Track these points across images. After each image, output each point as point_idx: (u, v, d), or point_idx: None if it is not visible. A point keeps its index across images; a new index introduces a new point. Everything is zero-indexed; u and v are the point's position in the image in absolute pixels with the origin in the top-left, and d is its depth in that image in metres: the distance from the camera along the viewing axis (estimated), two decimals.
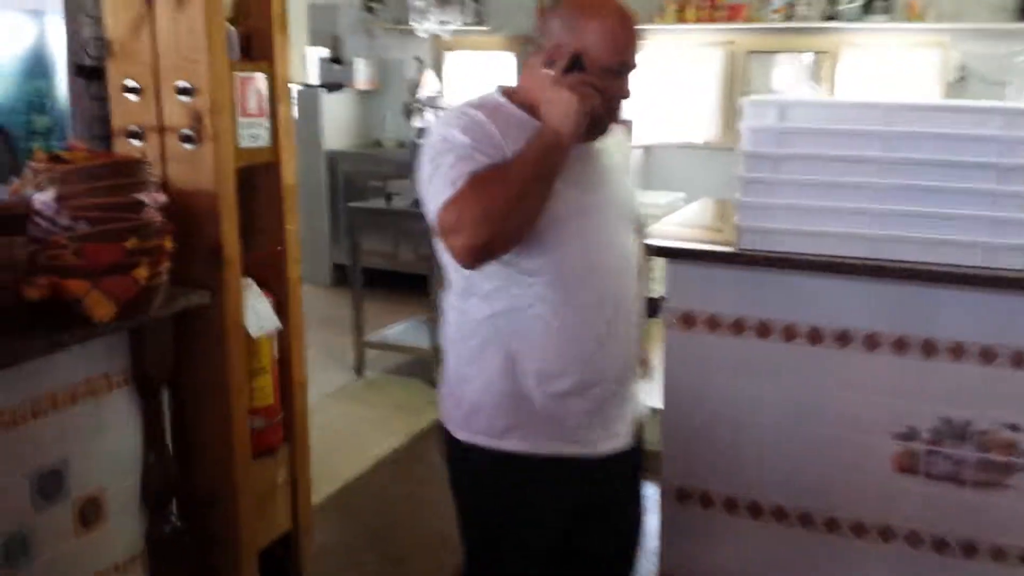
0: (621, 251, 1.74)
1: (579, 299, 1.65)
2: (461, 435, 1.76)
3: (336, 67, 6.61)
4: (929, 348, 2.30)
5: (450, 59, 6.96)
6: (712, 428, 2.52)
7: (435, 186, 1.58)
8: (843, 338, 2.37)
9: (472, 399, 1.73)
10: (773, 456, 2.47)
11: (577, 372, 1.67)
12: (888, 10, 5.71)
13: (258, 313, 2.53)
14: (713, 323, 2.49)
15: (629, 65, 1.65)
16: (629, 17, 1.64)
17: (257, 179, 2.64)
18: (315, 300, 6.02)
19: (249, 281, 2.55)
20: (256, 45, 2.61)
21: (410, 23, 6.46)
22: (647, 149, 6.37)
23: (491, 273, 1.64)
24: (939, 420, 2.31)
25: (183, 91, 2.37)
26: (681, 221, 3.05)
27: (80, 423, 2.12)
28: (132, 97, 2.43)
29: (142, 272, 2.08)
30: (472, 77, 6.90)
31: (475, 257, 1.54)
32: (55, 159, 2.11)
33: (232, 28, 2.52)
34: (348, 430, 3.91)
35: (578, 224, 1.65)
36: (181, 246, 2.33)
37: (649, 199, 5.25)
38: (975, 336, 2.26)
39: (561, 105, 1.55)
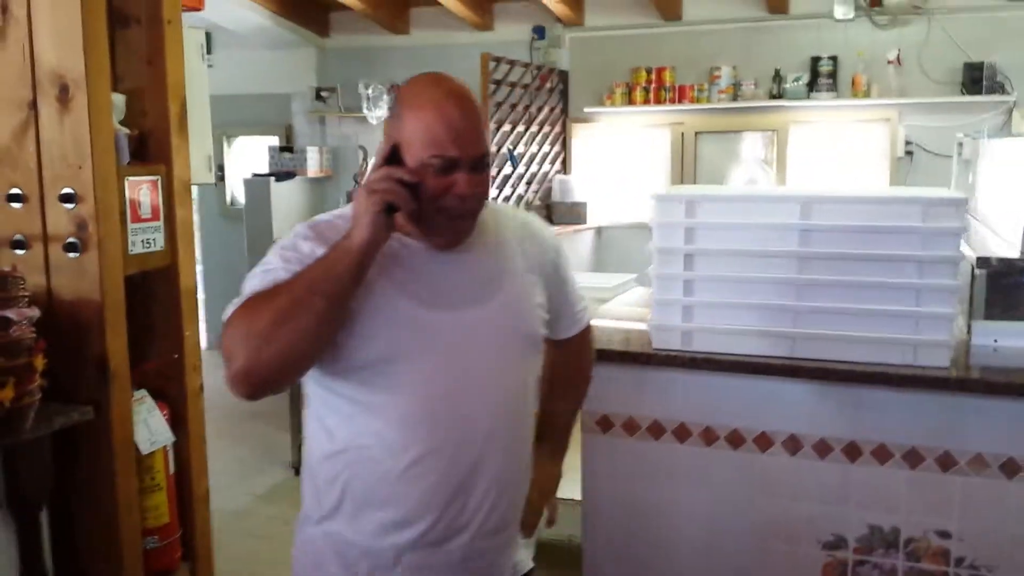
0: (497, 381, 1.48)
1: (428, 442, 1.42)
2: None
3: (287, 155, 6.58)
4: (853, 451, 2.19)
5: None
6: (633, 535, 2.39)
7: (227, 309, 1.40)
8: (764, 441, 2.26)
9: (315, 545, 1.53)
10: (697, 565, 2.34)
11: (428, 521, 1.44)
12: (833, 87, 5.76)
13: (150, 427, 2.39)
14: (631, 426, 2.37)
15: (453, 159, 1.38)
16: (457, 104, 1.40)
17: (154, 284, 2.52)
18: None
19: (142, 393, 2.42)
20: (152, 147, 2.52)
21: (362, 111, 6.45)
22: (598, 230, 6.33)
23: (334, 407, 1.46)
24: (867, 527, 2.19)
25: (66, 198, 2.27)
26: (615, 311, 2.95)
27: None
28: (16, 205, 2.32)
29: (7, 393, 1.95)
30: None
31: (242, 387, 1.32)
32: None
33: (124, 130, 2.44)
34: (276, 533, 3.72)
35: (428, 350, 1.42)
36: (66, 359, 2.21)
37: (599, 282, 5.16)
38: (900, 438, 2.15)
39: (356, 206, 1.35)
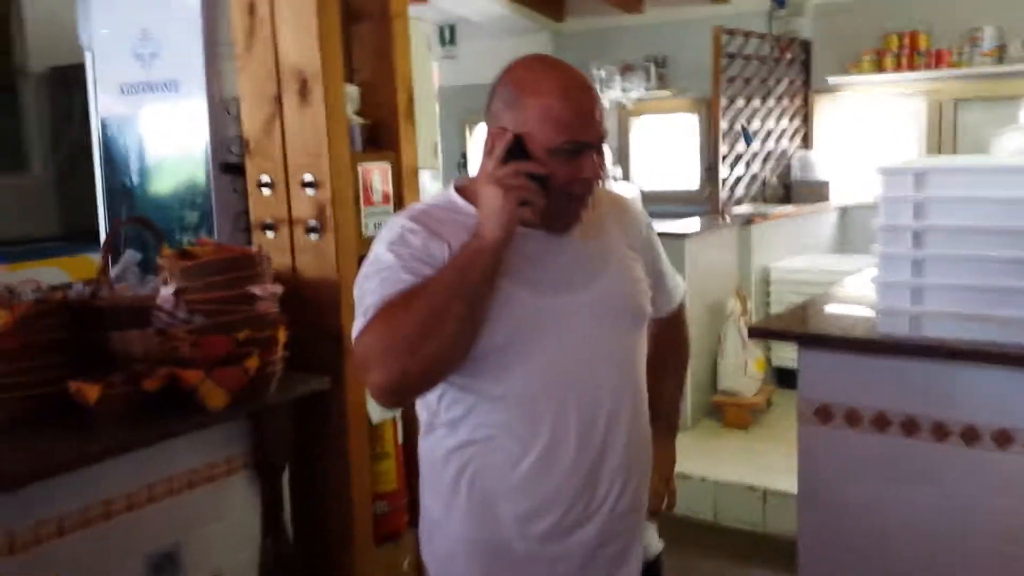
0: (614, 360, 1.47)
1: (555, 428, 1.40)
2: None
3: None
4: None
5: (636, 125, 6.91)
6: (853, 536, 2.26)
7: (356, 316, 1.39)
8: (1003, 438, 2.06)
9: (445, 547, 1.52)
10: (921, 570, 2.17)
11: (561, 509, 1.43)
12: None
13: None
14: (853, 417, 2.24)
15: (584, 143, 1.37)
16: (579, 87, 1.38)
17: None
18: None
19: None
20: (382, 135, 2.69)
21: None
22: (843, 210, 5.97)
23: (455, 399, 1.43)
24: None
25: (308, 184, 2.47)
26: (849, 292, 2.78)
27: (197, 507, 2.21)
28: (266, 192, 2.57)
29: (253, 362, 2.16)
30: (659, 140, 6.84)
31: (390, 397, 1.35)
32: (182, 254, 2.26)
33: (357, 120, 2.62)
34: None
35: (546, 335, 1.40)
36: (307, 333, 2.42)
37: (838, 265, 4.89)
38: None
39: (486, 205, 1.33)
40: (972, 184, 2.11)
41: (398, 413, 2.63)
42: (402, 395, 1.39)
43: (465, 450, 1.45)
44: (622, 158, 6.80)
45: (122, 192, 2.90)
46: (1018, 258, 2.04)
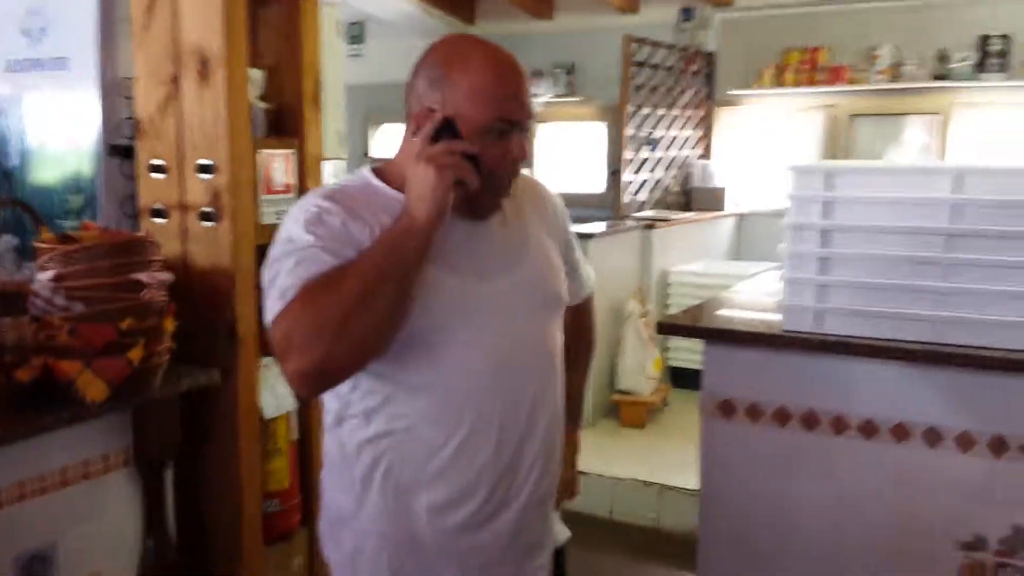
0: (536, 346, 1.45)
1: (479, 415, 1.36)
2: None
3: None
4: (998, 445, 2.00)
5: (543, 131, 6.93)
6: (754, 529, 2.27)
7: (269, 299, 1.30)
8: (900, 432, 2.10)
9: (352, 543, 1.45)
10: (820, 563, 2.20)
11: (480, 498, 1.39)
12: (1004, 67, 5.33)
13: (275, 393, 2.45)
14: (755, 412, 2.26)
15: (515, 121, 1.34)
16: (508, 64, 1.35)
17: None
18: None
19: (269, 360, 2.49)
20: (287, 122, 2.59)
21: None
22: (740, 218, 6.11)
23: (370, 389, 1.37)
24: (1011, 528, 2.00)
25: (204, 168, 2.36)
26: (743, 298, 2.81)
27: (72, 505, 2.07)
28: (158, 175, 2.44)
29: (136, 353, 2.04)
30: (565, 147, 6.87)
31: (311, 383, 1.27)
32: (64, 239, 2.11)
33: (261, 105, 2.51)
34: None
35: (472, 322, 1.36)
36: (197, 324, 2.30)
37: (736, 270, 4.99)
38: None
39: (417, 184, 1.27)
40: (878, 185, 2.14)
41: (293, 408, 2.53)
42: (323, 382, 1.31)
43: (380, 441, 1.39)
44: (528, 161, 6.79)
45: (2, 175, 2.72)
46: (916, 257, 2.08)
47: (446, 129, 1.30)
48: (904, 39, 5.58)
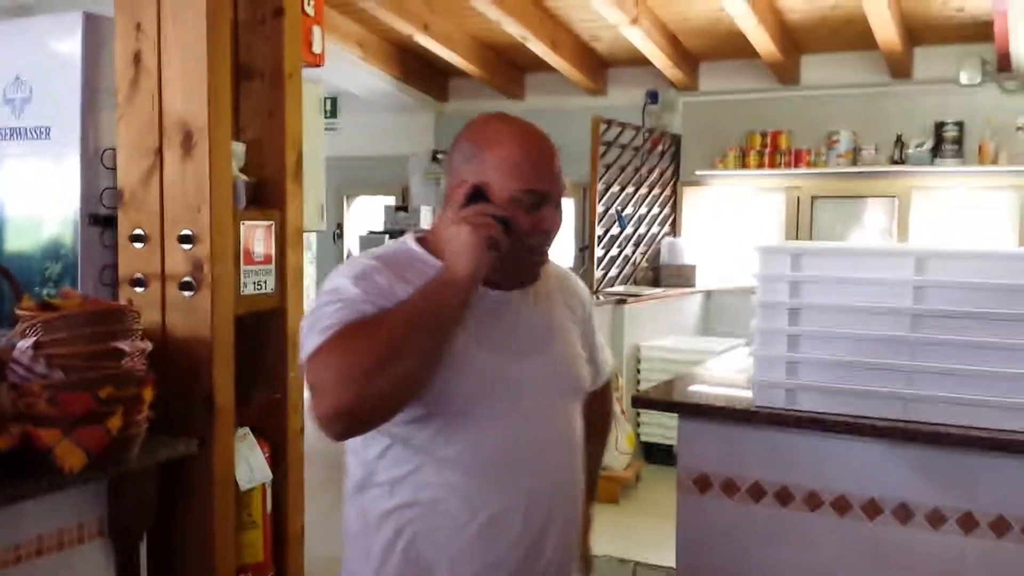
0: (560, 430, 1.47)
1: (507, 494, 1.37)
2: None
3: (401, 214, 6.77)
4: (968, 522, 2.04)
5: None
6: None
7: (307, 339, 1.32)
8: (873, 508, 2.13)
9: None
10: None
11: None
12: (959, 153, 5.55)
13: (251, 464, 2.44)
14: (730, 487, 2.28)
15: (542, 194, 1.39)
16: (538, 139, 1.41)
17: (262, 326, 2.60)
18: None
19: (245, 431, 2.48)
20: (268, 194, 2.62)
21: None
22: (708, 294, 6.22)
23: (398, 458, 1.38)
24: None
25: (185, 239, 2.37)
26: (713, 374, 2.86)
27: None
28: (138, 245, 2.45)
29: (115, 422, 2.02)
30: None
31: (337, 425, 1.25)
32: (45, 306, 2.11)
33: (242, 177, 2.55)
34: None
35: (502, 400, 1.38)
36: (175, 394, 2.29)
37: (706, 346, 5.06)
38: (1019, 510, 1.99)
39: (453, 242, 1.30)
40: (843, 266, 2.22)
41: (268, 480, 2.51)
42: (350, 426, 1.29)
43: (404, 512, 1.39)
44: None
45: None
46: (883, 336, 2.15)
47: (476, 196, 1.36)
48: (862, 125, 5.80)
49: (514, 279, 1.43)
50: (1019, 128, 5.39)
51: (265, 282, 2.56)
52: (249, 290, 2.50)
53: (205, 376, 2.35)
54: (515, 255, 1.37)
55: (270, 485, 2.54)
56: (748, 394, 2.30)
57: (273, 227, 2.58)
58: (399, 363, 1.23)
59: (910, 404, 2.12)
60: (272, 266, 2.58)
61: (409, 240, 1.49)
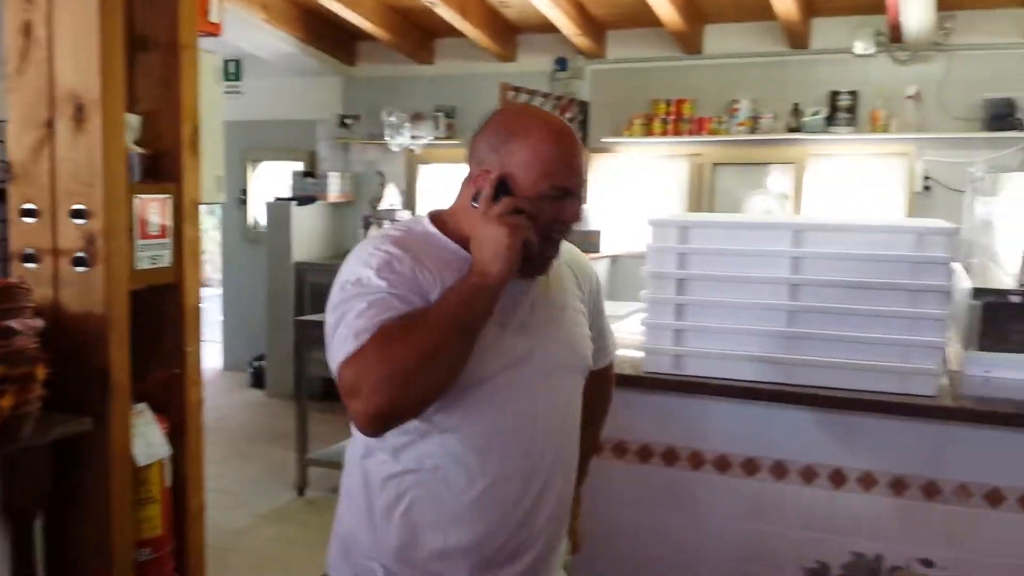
0: (561, 407, 1.52)
1: (506, 464, 1.43)
2: None
3: (309, 180, 6.70)
4: (838, 478, 2.19)
5: (423, 172, 7.04)
6: (620, 559, 2.39)
7: (339, 337, 1.34)
8: (750, 466, 2.27)
9: (353, 572, 1.51)
10: None
11: (493, 547, 1.44)
12: (852, 122, 5.76)
13: (148, 440, 2.44)
14: (620, 449, 2.39)
15: (567, 189, 1.41)
16: (564, 134, 1.43)
17: (160, 300, 2.59)
18: (274, 414, 5.93)
19: (142, 407, 2.47)
20: (164, 167, 2.59)
21: (384, 138, 6.57)
22: (613, 259, 6.35)
23: (405, 427, 1.39)
24: (850, 555, 2.18)
25: (77, 214, 2.34)
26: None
27: None
28: (29, 220, 2.40)
29: (7, 401, 2.01)
30: (444, 188, 6.98)
31: (376, 426, 1.31)
32: None
33: (137, 150, 2.52)
34: (275, 555, 3.75)
35: (510, 376, 1.43)
36: (69, 371, 2.27)
37: (610, 310, 5.18)
38: (886, 465, 2.16)
39: (489, 243, 1.33)
40: (727, 237, 2.33)
41: (167, 455, 2.52)
42: (387, 425, 1.34)
43: (405, 477, 1.44)
44: (409, 201, 6.89)
45: None
46: (763, 304, 2.27)
47: (501, 188, 1.38)
48: (762, 94, 5.97)
49: (529, 269, 1.43)
50: (908, 97, 5.62)
51: (161, 256, 2.54)
52: (144, 264, 2.47)
53: (100, 352, 2.33)
54: (537, 247, 1.40)
55: (169, 460, 2.54)
56: (641, 356, 2.41)
57: (169, 200, 2.56)
58: (436, 366, 1.29)
59: (789, 368, 2.25)
60: (168, 240, 2.55)
61: (425, 222, 1.51)
